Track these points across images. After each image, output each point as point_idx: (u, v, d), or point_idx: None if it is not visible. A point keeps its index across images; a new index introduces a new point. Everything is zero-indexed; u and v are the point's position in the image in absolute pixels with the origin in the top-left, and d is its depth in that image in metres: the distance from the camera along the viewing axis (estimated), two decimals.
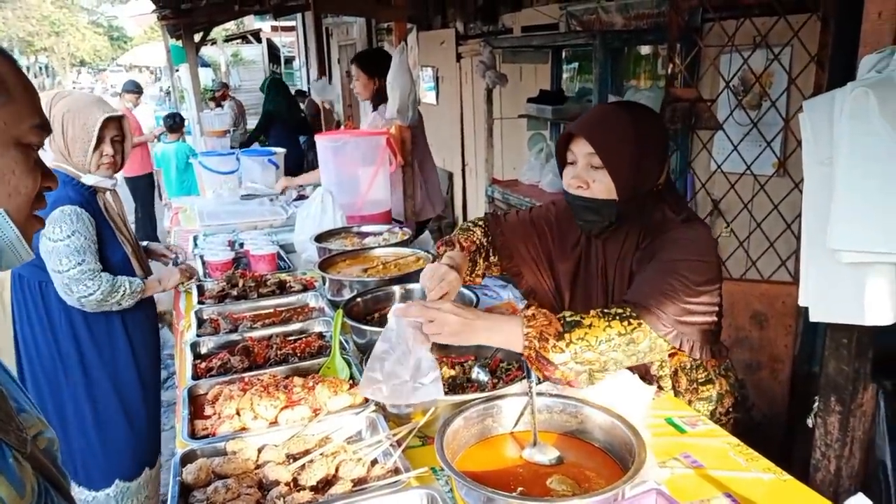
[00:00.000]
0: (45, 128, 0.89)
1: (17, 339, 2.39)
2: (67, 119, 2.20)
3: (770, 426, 2.86)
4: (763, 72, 3.07)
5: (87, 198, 2.28)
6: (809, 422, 1.61)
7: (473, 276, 1.78)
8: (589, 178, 1.50)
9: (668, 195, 1.56)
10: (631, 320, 1.34)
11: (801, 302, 1.42)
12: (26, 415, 0.85)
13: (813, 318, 1.40)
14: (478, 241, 1.79)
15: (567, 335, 1.30)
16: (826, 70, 2.73)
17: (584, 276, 1.67)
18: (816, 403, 1.64)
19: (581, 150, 1.51)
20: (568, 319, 1.34)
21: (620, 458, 1.25)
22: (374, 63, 3.82)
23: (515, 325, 1.34)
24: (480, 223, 1.86)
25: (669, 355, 1.55)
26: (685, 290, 1.38)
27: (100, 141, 2.25)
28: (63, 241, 2.15)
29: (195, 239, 3.19)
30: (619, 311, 1.36)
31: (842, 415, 1.49)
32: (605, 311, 1.36)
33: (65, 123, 2.21)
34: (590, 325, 1.32)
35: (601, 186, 1.49)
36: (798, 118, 1.42)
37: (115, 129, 2.30)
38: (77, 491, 2.37)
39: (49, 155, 2.23)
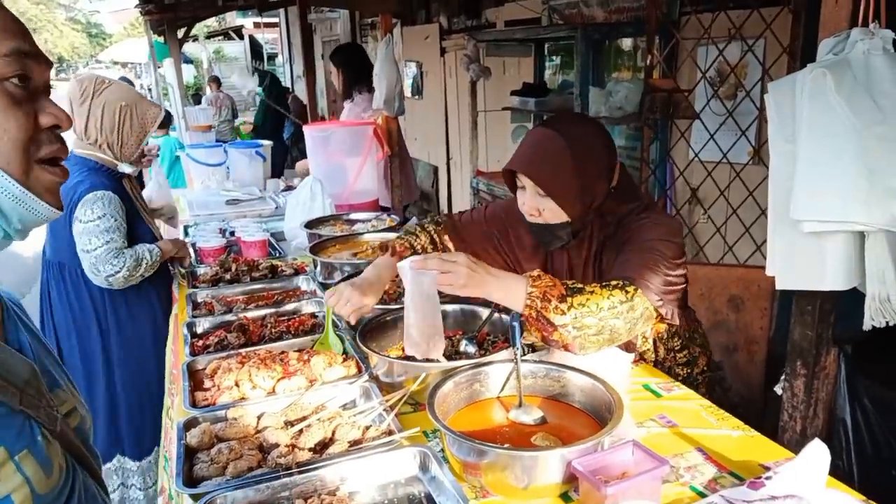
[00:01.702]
0: (27, 55, 0.73)
1: (50, 327, 2.48)
2: (125, 112, 2.32)
3: (747, 407, 2.97)
4: (738, 63, 3.17)
5: (116, 184, 2.39)
6: (778, 389, 1.71)
7: None
8: (539, 206, 1.56)
9: (624, 193, 1.61)
10: (628, 289, 1.41)
11: (769, 272, 1.52)
12: (60, 390, 0.83)
13: (779, 286, 1.50)
14: (419, 247, 1.82)
15: (570, 298, 1.36)
16: (798, 60, 2.84)
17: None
18: (784, 373, 1.73)
19: (526, 180, 1.56)
20: (571, 286, 1.40)
21: (600, 418, 1.33)
22: (343, 55, 3.89)
23: (521, 283, 1.38)
24: (430, 227, 1.88)
25: None
26: (664, 265, 1.46)
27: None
28: (94, 222, 2.26)
29: (186, 228, 3.24)
30: (615, 282, 1.42)
31: (807, 378, 1.59)
32: (603, 283, 1.43)
33: (121, 115, 2.32)
34: (591, 292, 1.38)
35: (551, 213, 1.56)
36: (765, 99, 1.51)
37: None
38: (123, 460, 2.55)
39: (71, 140, 2.34)
